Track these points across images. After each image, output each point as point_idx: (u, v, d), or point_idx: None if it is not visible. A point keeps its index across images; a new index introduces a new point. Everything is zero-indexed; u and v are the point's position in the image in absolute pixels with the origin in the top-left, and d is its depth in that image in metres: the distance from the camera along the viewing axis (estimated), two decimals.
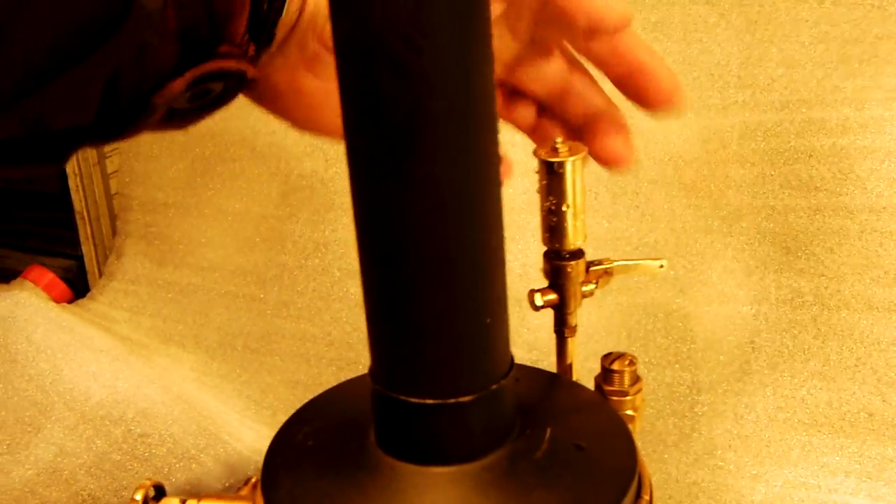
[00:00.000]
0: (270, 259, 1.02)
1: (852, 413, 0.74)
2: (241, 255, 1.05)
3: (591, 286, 0.48)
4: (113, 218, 1.24)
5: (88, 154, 1.23)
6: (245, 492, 0.44)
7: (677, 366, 0.83)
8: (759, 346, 0.79)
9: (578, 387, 0.46)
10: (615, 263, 0.48)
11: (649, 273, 0.48)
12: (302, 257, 1.00)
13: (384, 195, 0.34)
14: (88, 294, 1.18)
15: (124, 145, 1.17)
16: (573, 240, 0.46)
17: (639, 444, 0.48)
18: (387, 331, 0.37)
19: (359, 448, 0.40)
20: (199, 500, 0.45)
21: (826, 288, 0.76)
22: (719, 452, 0.79)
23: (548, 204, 0.45)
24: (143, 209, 1.14)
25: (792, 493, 0.75)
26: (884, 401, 0.73)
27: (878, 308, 0.74)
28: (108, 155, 1.25)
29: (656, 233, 0.86)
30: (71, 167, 1.23)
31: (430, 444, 0.38)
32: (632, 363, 0.47)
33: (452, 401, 0.37)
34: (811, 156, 0.78)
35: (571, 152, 0.44)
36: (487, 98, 0.35)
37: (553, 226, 0.45)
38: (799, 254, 0.78)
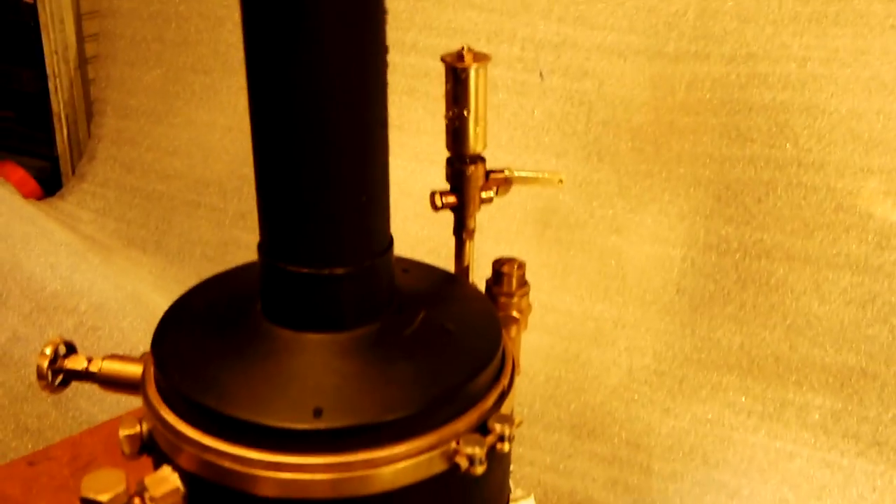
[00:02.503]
0: (233, 171, 1.05)
1: (761, 357, 0.77)
2: (205, 165, 1.07)
3: (491, 192, 0.50)
4: (91, 122, 1.27)
5: (70, 57, 1.25)
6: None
7: (607, 301, 0.86)
8: (683, 289, 0.82)
9: (465, 284, 0.49)
10: (516, 173, 0.50)
11: (548, 185, 0.51)
12: None
13: (271, 74, 0.37)
14: (58, 193, 1.20)
15: (103, 50, 1.19)
16: (474, 145, 0.48)
17: (520, 347, 0.51)
18: (270, 203, 0.40)
19: (245, 315, 0.43)
20: (101, 359, 0.48)
21: (750, 236, 0.79)
22: (635, 386, 0.82)
23: (451, 110, 0.48)
24: (116, 114, 1.17)
25: (697, 427, 0.79)
26: (790, 347, 0.76)
27: (794, 258, 0.77)
28: (90, 60, 1.27)
29: (600, 172, 0.88)
30: (51, 69, 1.25)
31: (306, 311, 0.41)
32: (520, 267, 0.50)
33: (327, 272, 0.40)
34: (751, 109, 0.81)
35: (476, 60, 0.47)
36: None
37: (455, 130, 0.48)
38: (729, 202, 0.81)
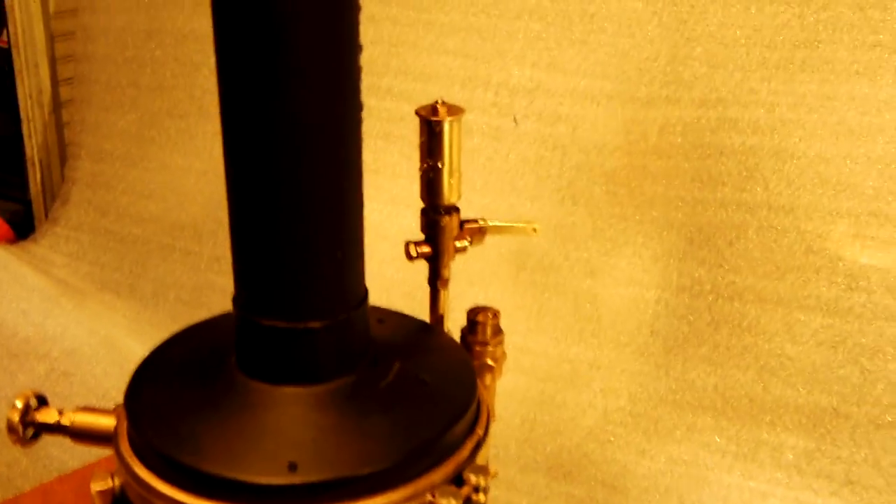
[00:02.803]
0: (208, 214, 1.05)
1: (735, 398, 0.78)
2: (180, 208, 1.07)
3: (465, 242, 0.51)
4: (64, 166, 1.26)
5: (44, 101, 1.25)
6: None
7: (582, 344, 0.87)
8: (657, 331, 0.83)
9: (441, 334, 0.50)
10: (490, 223, 0.51)
11: (522, 234, 0.52)
12: None
13: (248, 130, 0.37)
14: (31, 237, 1.20)
15: (78, 94, 1.19)
16: (448, 196, 0.49)
17: (495, 396, 0.51)
18: (246, 257, 0.40)
19: (219, 367, 0.43)
20: (74, 412, 0.47)
21: (722, 278, 0.80)
22: (611, 427, 0.83)
23: (426, 162, 0.48)
24: (91, 158, 1.17)
25: (673, 468, 0.79)
26: (764, 388, 0.77)
27: (766, 300, 0.78)
28: (64, 104, 1.27)
29: (575, 216, 0.89)
30: (25, 112, 1.25)
31: (281, 365, 0.41)
32: (495, 316, 0.50)
33: (302, 325, 0.40)
34: (722, 153, 0.82)
35: (450, 113, 0.47)
36: (351, 49, 0.38)
37: (429, 182, 0.49)
38: (702, 244, 0.82)
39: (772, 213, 0.79)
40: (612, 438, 0.82)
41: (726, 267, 0.80)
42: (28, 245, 1.17)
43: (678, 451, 0.79)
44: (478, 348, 0.51)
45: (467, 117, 0.53)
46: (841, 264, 0.76)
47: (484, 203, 0.89)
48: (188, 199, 1.07)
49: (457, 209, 0.50)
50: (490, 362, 0.51)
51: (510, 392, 0.86)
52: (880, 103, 0.77)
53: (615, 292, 0.86)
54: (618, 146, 0.89)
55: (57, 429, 0.48)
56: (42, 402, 0.49)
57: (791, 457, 0.77)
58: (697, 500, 0.79)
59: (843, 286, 0.76)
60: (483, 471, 0.40)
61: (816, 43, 0.82)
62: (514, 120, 0.92)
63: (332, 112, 0.38)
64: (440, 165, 0.48)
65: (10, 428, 0.47)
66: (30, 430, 0.48)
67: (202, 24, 1.05)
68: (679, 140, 0.85)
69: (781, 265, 0.78)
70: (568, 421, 0.83)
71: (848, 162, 0.77)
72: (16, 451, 0.89)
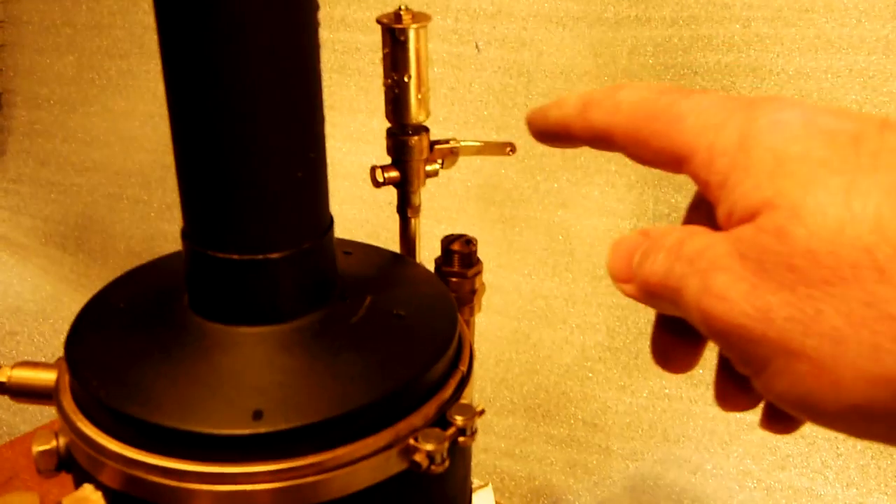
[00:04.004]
0: (155, 160, 0.99)
1: None
2: (125, 155, 1.01)
3: (436, 165, 0.46)
4: None
5: None
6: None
7: (556, 279, 0.83)
8: None
9: (414, 264, 0.45)
10: (462, 143, 0.47)
11: (497, 153, 0.47)
12: None
13: (187, 32, 0.32)
14: None
15: (9, 38, 1.11)
16: (416, 114, 0.44)
17: (474, 330, 0.47)
18: (194, 183, 0.36)
19: (170, 309, 0.39)
20: (11, 368, 0.43)
21: None
22: (589, 364, 0.80)
23: (390, 77, 0.44)
24: (27, 105, 1.10)
25: (655, 403, 0.76)
26: None
27: None
28: None
29: (543, 146, 0.85)
30: None
31: (239, 303, 0.36)
32: (471, 244, 0.46)
33: (261, 257, 0.35)
34: (696, 72, 0.78)
35: (415, 20, 0.43)
36: None
37: (395, 99, 0.44)
38: None
39: None
40: (590, 375, 0.79)
41: None
42: None
43: (660, 385, 0.76)
44: (455, 280, 0.47)
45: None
46: None
47: (448, 135, 0.84)
48: (134, 144, 1.01)
49: (426, 129, 0.46)
50: (469, 295, 0.47)
51: (482, 332, 0.82)
52: (860, 14, 0.74)
53: (588, 223, 0.82)
54: (586, 70, 0.84)
55: None
56: None
57: None
58: (682, 435, 0.76)
59: None
60: (469, 410, 0.37)
61: None
62: (476, 47, 0.87)
63: (284, 7, 0.33)
64: (406, 79, 0.43)
65: None
66: None
67: None
68: (650, 61, 0.81)
69: None
70: (544, 359, 0.80)
71: (829, 76, 0.73)
72: None
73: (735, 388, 0.35)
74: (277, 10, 0.32)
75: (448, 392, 0.37)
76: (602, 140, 0.35)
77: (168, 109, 0.35)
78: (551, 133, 0.38)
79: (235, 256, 0.35)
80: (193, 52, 0.33)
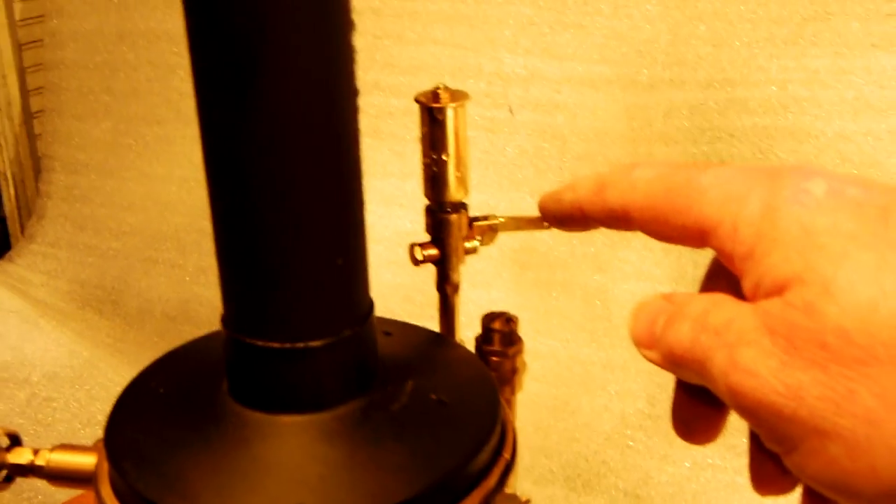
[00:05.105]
0: (190, 224, 1.00)
1: None
2: (161, 219, 1.02)
3: (475, 242, 0.46)
4: (38, 179, 1.21)
5: (14, 114, 1.19)
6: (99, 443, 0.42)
7: (594, 344, 0.82)
8: None
9: (454, 345, 0.45)
10: (500, 219, 0.46)
11: (535, 229, 0.47)
12: None
13: (227, 124, 0.32)
14: (6, 255, 1.14)
15: (48, 104, 1.13)
16: (455, 192, 0.44)
17: (516, 410, 0.46)
18: (234, 270, 0.35)
19: (209, 397, 0.38)
20: (49, 451, 0.43)
21: None
22: (630, 432, 0.78)
23: (429, 155, 0.44)
24: (65, 170, 1.11)
25: (699, 473, 0.75)
26: None
27: None
28: (35, 115, 1.21)
29: None
30: None
31: (279, 391, 0.36)
32: (512, 322, 0.46)
33: (301, 345, 0.35)
34: (733, 135, 0.78)
35: (453, 99, 0.43)
36: (342, 25, 0.33)
37: (433, 177, 0.44)
38: None
39: None
40: (631, 443, 0.77)
41: None
42: (4, 265, 1.12)
43: (703, 454, 0.74)
44: (495, 359, 0.46)
45: None
46: None
47: (482, 199, 0.84)
48: (169, 208, 1.02)
49: (464, 206, 0.45)
50: (509, 375, 0.46)
51: (521, 398, 0.81)
52: None
53: (626, 287, 0.81)
54: (620, 133, 0.84)
55: (31, 471, 0.43)
56: (15, 441, 0.44)
57: None
58: None
59: None
60: (514, 500, 0.36)
61: (827, 15, 0.77)
62: (510, 110, 0.88)
63: (322, 96, 0.33)
64: (445, 158, 0.43)
65: None
66: (1, 472, 0.43)
67: (176, 24, 1.00)
68: (686, 124, 0.81)
69: None
70: (583, 427, 0.78)
71: (870, 139, 0.72)
72: None
73: (771, 468, 0.34)
74: (320, 103, 0.32)
75: (492, 481, 0.36)
76: (619, 219, 0.35)
77: (209, 198, 0.35)
78: (566, 216, 0.38)
79: (276, 345, 0.35)
80: (230, 134, 0.33)
